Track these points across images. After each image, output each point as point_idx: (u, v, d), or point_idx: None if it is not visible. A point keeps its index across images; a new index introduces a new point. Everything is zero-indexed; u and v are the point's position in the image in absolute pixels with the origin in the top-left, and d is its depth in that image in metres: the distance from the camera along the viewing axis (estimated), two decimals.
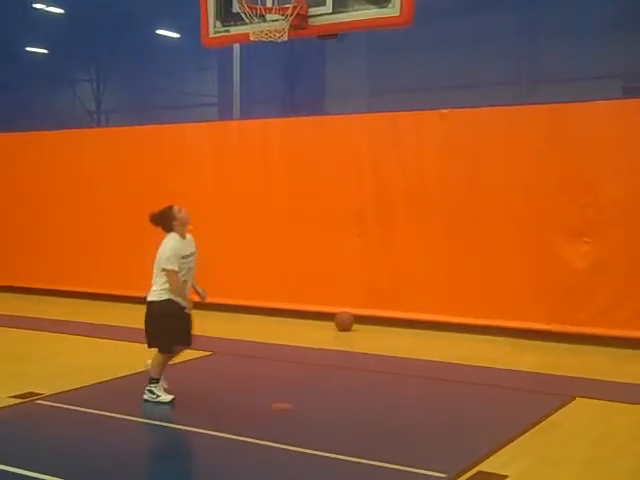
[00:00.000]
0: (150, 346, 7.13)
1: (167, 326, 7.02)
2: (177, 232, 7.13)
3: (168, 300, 6.97)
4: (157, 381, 7.07)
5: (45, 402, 7.07)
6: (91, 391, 7.53)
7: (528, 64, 19.42)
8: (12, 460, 5.54)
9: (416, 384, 8.07)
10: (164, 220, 7.18)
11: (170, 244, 7.05)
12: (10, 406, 6.94)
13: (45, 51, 24.98)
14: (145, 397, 7.02)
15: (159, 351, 7.09)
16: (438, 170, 10.58)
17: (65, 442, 6.15)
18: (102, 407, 6.89)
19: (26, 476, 5.29)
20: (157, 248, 7.25)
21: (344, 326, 10.68)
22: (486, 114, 10.50)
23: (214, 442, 6.08)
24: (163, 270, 6.96)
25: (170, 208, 7.23)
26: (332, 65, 20.81)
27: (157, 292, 7.07)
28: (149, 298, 7.13)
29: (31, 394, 7.25)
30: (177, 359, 8.87)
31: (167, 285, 6.97)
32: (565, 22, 17.29)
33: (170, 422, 6.48)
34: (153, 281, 7.12)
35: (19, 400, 7.09)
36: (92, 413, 6.79)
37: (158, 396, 6.99)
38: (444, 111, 10.61)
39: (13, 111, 20.74)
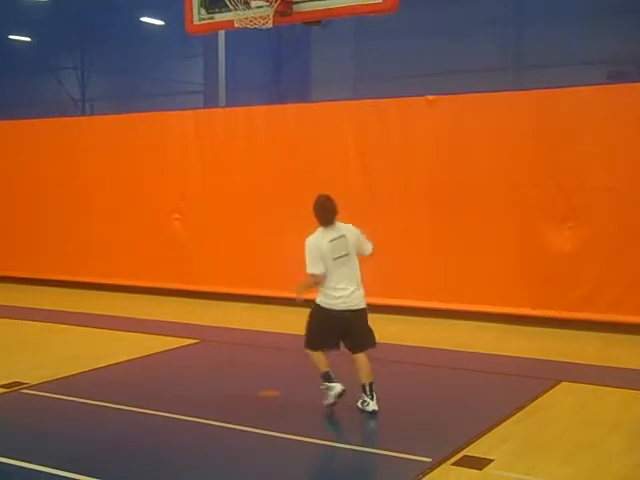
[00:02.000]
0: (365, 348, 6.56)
1: None
2: None
3: None
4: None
5: (30, 391, 7.05)
6: (77, 380, 7.51)
7: (514, 50, 19.46)
8: None
9: (402, 370, 8.10)
10: (336, 209, 6.54)
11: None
12: None
13: (29, 39, 24.81)
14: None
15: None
16: (424, 156, 10.58)
17: (50, 431, 6.14)
18: (87, 396, 6.88)
19: (9, 464, 5.29)
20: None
21: None
22: (472, 100, 10.50)
23: (201, 429, 6.09)
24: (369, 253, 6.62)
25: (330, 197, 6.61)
26: (317, 52, 20.77)
27: (363, 294, 6.63)
28: (363, 305, 6.55)
29: (16, 384, 7.23)
30: (164, 347, 8.93)
31: None
32: (550, 8, 17.33)
33: (157, 410, 6.48)
34: (353, 277, 6.51)
35: (4, 390, 7.07)
36: (76, 402, 6.78)
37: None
38: (430, 97, 10.60)
39: None
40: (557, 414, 6.46)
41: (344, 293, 6.37)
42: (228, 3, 7.61)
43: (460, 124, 10.39)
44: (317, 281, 6.39)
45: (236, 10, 7.63)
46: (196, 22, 8.25)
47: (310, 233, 6.52)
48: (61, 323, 10.40)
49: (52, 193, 13.40)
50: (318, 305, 6.47)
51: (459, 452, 5.46)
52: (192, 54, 21.57)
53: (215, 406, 6.62)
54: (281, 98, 19.93)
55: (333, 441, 5.77)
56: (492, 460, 5.33)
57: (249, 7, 7.58)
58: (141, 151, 12.63)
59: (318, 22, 7.96)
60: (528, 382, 7.47)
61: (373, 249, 6.70)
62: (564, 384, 7.31)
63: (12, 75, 22.88)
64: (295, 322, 10.56)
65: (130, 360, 8.31)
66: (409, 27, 16.98)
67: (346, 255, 6.38)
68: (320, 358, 6.48)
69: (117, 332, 9.85)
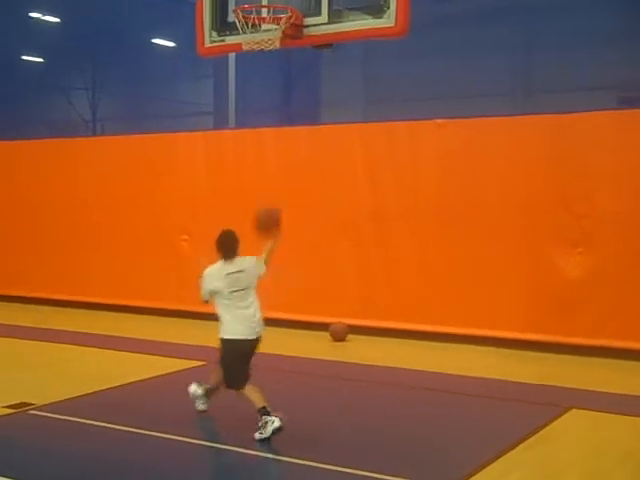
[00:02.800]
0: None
1: None
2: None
3: None
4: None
5: (37, 412, 7.02)
6: (84, 401, 7.48)
7: (524, 75, 19.49)
8: (1, 469, 5.48)
9: (409, 395, 8.04)
10: (235, 245, 6.82)
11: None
12: (1, 416, 6.89)
13: (41, 60, 24.99)
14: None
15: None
16: (433, 180, 10.57)
17: (57, 452, 6.10)
18: (94, 417, 6.84)
19: None
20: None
21: (338, 336, 10.65)
22: (482, 124, 10.50)
23: (206, 452, 6.05)
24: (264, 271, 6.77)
25: (233, 232, 6.90)
26: (327, 75, 20.84)
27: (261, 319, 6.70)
28: (262, 332, 6.66)
29: (24, 404, 7.20)
30: (170, 369, 8.88)
31: None
32: (561, 33, 17.36)
33: (163, 432, 6.43)
34: (251, 305, 6.63)
35: (11, 410, 7.04)
36: (83, 423, 6.74)
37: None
38: (440, 121, 10.60)
39: (9, 120, 20.72)
40: (566, 442, 6.38)
41: (256, 322, 6.54)
42: (239, 26, 7.64)
43: (469, 148, 10.38)
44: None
45: (246, 33, 7.65)
46: (207, 44, 8.28)
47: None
48: (68, 343, 10.37)
49: (61, 213, 13.42)
50: (223, 339, 6.54)
51: (468, 479, 5.39)
52: (202, 75, 21.67)
53: (221, 429, 6.59)
54: (291, 120, 19.97)
55: (336, 465, 5.69)
56: None
57: (259, 30, 7.60)
58: (150, 172, 12.65)
59: (329, 45, 7.97)
60: (537, 409, 7.40)
61: (265, 269, 6.78)
62: (573, 411, 7.23)
63: (24, 95, 23.02)
64: (303, 345, 10.54)
65: (137, 382, 8.27)
66: (419, 51, 17.02)
67: (245, 289, 6.53)
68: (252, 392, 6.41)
69: (124, 353, 9.81)
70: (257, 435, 6.14)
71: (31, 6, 22.67)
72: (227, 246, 6.67)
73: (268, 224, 6.93)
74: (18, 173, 13.95)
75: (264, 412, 6.21)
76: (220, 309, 6.54)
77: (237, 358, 6.44)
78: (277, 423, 6.12)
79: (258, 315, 6.56)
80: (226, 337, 6.49)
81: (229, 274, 6.48)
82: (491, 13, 18.28)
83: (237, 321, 6.45)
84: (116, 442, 6.34)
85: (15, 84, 23.02)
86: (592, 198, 9.65)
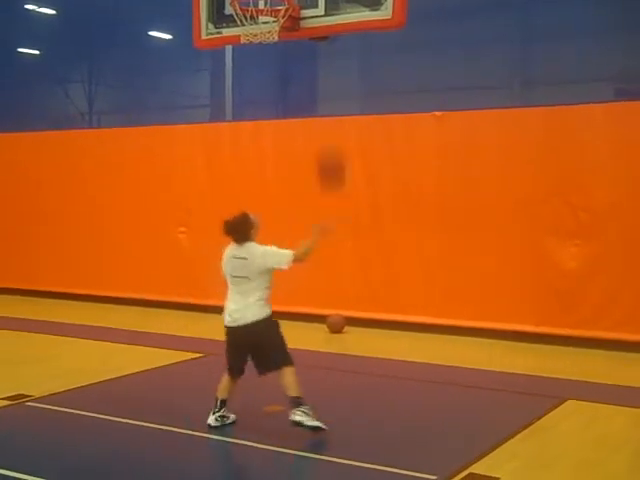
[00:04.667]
0: (271, 369, 6.36)
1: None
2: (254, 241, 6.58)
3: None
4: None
5: (35, 404, 7.03)
6: (82, 393, 7.50)
7: (521, 67, 19.43)
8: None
9: (407, 386, 8.07)
10: (245, 228, 6.58)
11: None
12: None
13: (37, 52, 24.91)
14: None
15: (288, 365, 6.36)
16: (431, 172, 10.59)
17: (54, 444, 6.12)
18: (92, 409, 6.86)
19: (14, 477, 5.26)
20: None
21: (336, 328, 10.68)
22: (480, 116, 10.51)
23: (205, 444, 6.07)
24: (286, 265, 6.42)
25: (247, 215, 6.69)
26: (324, 67, 20.77)
27: (260, 306, 6.42)
28: (254, 318, 6.32)
29: (21, 396, 7.22)
30: (168, 361, 8.90)
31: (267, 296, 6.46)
32: (558, 24, 17.31)
33: (161, 424, 6.45)
34: (248, 295, 6.36)
35: (9, 402, 7.05)
36: (81, 415, 6.76)
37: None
38: (438, 113, 10.61)
39: (5, 112, 20.66)
40: (563, 432, 6.42)
41: (233, 310, 6.34)
42: (236, 18, 7.64)
43: (467, 140, 10.39)
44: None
45: (243, 25, 7.65)
46: (204, 37, 8.28)
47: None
48: (66, 336, 10.39)
49: (58, 206, 13.43)
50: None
51: (465, 469, 5.42)
52: (199, 68, 21.60)
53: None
54: (288, 113, 19.93)
55: (337, 457, 5.73)
56: (498, 478, 5.29)
57: (256, 22, 7.61)
58: (147, 164, 12.66)
59: (325, 37, 7.97)
60: (534, 400, 7.43)
61: (293, 258, 6.44)
62: (570, 402, 7.26)
63: (20, 88, 22.94)
64: (300, 336, 10.54)
65: (135, 374, 8.29)
66: (416, 43, 16.96)
67: (245, 277, 6.35)
68: (224, 383, 6.44)
69: (122, 345, 9.83)
70: (210, 419, 6.33)
71: None
72: (235, 229, 6.51)
73: (331, 169, 6.84)
74: (14, 165, 13.94)
75: (222, 405, 6.38)
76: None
77: (228, 344, 6.42)
78: (232, 419, 6.37)
79: (252, 306, 6.33)
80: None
81: (235, 258, 6.41)
82: (488, 5, 18.22)
83: (227, 305, 6.40)
84: (114, 433, 6.36)
85: (11, 76, 22.94)
86: (589, 190, 9.67)
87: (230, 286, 6.40)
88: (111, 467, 5.59)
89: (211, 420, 6.34)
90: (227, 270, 6.42)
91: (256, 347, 6.30)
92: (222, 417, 6.38)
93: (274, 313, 11.87)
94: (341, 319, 10.70)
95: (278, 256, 6.45)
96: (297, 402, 6.12)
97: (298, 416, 6.05)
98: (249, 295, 6.32)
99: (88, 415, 6.74)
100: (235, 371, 6.43)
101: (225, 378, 6.44)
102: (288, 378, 6.23)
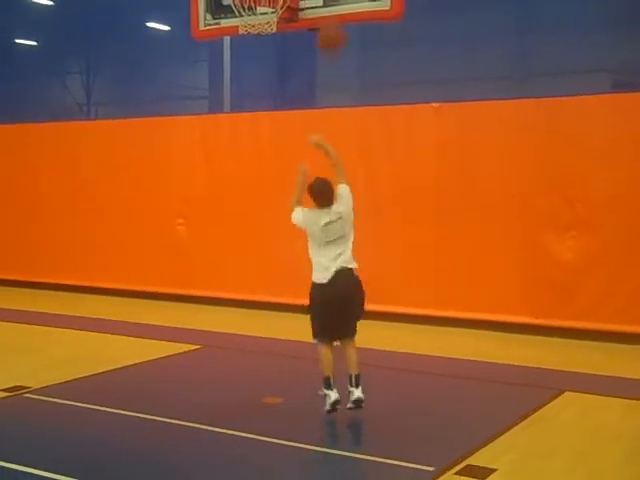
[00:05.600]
0: (354, 331, 6.58)
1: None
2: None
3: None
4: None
5: (33, 395, 7.05)
6: (79, 384, 7.51)
7: (519, 58, 19.42)
8: None
9: (404, 377, 8.08)
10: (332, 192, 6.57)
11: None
12: None
13: (34, 43, 24.85)
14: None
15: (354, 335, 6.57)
16: (429, 163, 10.58)
17: (52, 435, 6.12)
18: (89, 400, 6.87)
19: (12, 469, 5.28)
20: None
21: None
22: (478, 108, 10.49)
23: (204, 435, 6.08)
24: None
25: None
26: (323, 59, 20.73)
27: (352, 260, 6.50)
28: (350, 265, 6.48)
29: (19, 387, 7.23)
30: (165, 352, 8.92)
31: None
32: (556, 16, 17.29)
33: (159, 415, 6.46)
34: (345, 248, 6.48)
35: (6, 394, 7.06)
36: (79, 406, 6.77)
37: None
38: (436, 105, 10.60)
39: (2, 103, 20.64)
40: (560, 424, 6.44)
41: (331, 269, 6.41)
42: (234, 9, 7.63)
43: (465, 132, 10.38)
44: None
45: (242, 16, 7.65)
46: (202, 28, 8.28)
47: None
48: (63, 327, 10.39)
49: (56, 197, 13.42)
50: (313, 283, 6.51)
51: (462, 461, 5.43)
52: (197, 59, 21.58)
53: (218, 412, 6.60)
54: (286, 104, 19.91)
55: (335, 449, 5.75)
56: (495, 470, 5.30)
57: (254, 13, 7.60)
58: (145, 156, 12.64)
59: None
60: (531, 391, 7.45)
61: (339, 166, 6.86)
62: (567, 394, 7.28)
63: (18, 79, 22.90)
64: (299, 329, 10.55)
65: (133, 365, 8.31)
66: (415, 34, 16.95)
67: (340, 237, 6.44)
68: (327, 357, 6.41)
69: (120, 337, 9.84)
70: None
71: None
72: (328, 194, 6.55)
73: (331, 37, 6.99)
74: (11, 157, 13.92)
75: (326, 384, 6.35)
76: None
77: (320, 305, 6.47)
78: (333, 397, 6.30)
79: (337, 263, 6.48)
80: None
81: (326, 224, 6.44)
82: None
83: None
84: (111, 425, 6.37)
85: (8, 68, 22.90)
86: (586, 182, 9.67)
87: (321, 251, 6.44)
88: (108, 459, 5.60)
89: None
90: (320, 237, 6.43)
91: (347, 307, 6.47)
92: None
93: (267, 304, 11.96)
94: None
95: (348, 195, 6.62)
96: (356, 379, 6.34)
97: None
98: (344, 255, 6.45)
99: (86, 407, 6.75)
100: (334, 334, 6.50)
101: (325, 351, 6.45)
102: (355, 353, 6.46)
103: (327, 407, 6.32)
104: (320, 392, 6.38)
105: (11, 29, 23.15)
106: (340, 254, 6.41)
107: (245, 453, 5.74)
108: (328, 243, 6.41)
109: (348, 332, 6.51)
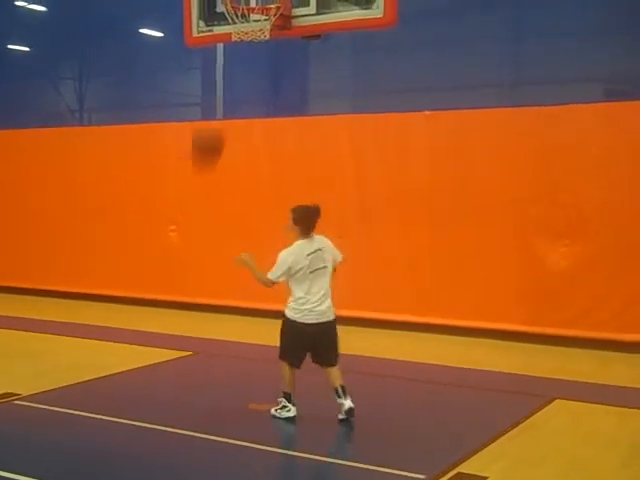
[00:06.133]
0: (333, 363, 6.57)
1: None
2: None
3: None
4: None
5: (22, 402, 7.01)
6: (70, 391, 7.47)
7: (512, 67, 19.47)
8: None
9: (395, 385, 8.07)
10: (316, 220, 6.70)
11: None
12: None
13: (27, 49, 24.82)
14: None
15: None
16: (421, 171, 10.59)
17: (41, 443, 6.09)
18: (80, 407, 6.84)
19: (3, 477, 5.24)
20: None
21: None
22: (470, 116, 10.52)
23: (192, 442, 6.06)
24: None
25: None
26: (316, 66, 20.76)
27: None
28: (332, 317, 6.60)
29: (9, 394, 7.19)
30: (157, 359, 8.89)
31: None
32: (549, 24, 17.34)
33: (148, 422, 6.43)
34: (327, 290, 6.57)
35: None
36: (69, 413, 6.74)
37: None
38: (428, 113, 10.62)
39: None
40: (551, 432, 6.44)
41: (318, 307, 6.46)
42: (227, 16, 7.64)
43: (457, 139, 10.41)
44: (266, 285, 6.60)
45: (235, 23, 7.65)
46: (195, 34, 8.28)
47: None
48: (55, 334, 10.35)
49: (48, 203, 13.38)
50: (289, 319, 6.54)
51: (453, 469, 5.42)
52: (190, 66, 21.57)
53: (206, 419, 6.59)
54: (279, 111, 19.92)
55: (325, 456, 5.73)
56: (486, 478, 5.29)
57: (248, 20, 7.61)
58: (138, 162, 12.63)
59: (317, 36, 7.98)
60: (522, 399, 7.45)
61: (343, 257, 6.79)
62: (558, 401, 7.28)
63: (10, 84, 22.86)
64: None
65: (123, 372, 8.28)
66: (408, 42, 16.96)
67: (323, 267, 6.49)
68: (291, 375, 6.56)
69: (111, 343, 9.80)
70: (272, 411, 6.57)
71: None
72: (314, 220, 6.67)
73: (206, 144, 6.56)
74: (3, 163, 13.89)
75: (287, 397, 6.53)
76: None
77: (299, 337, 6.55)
78: (293, 413, 6.48)
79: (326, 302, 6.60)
80: None
81: (310, 254, 6.50)
82: (479, 4, 18.25)
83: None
84: (102, 432, 6.34)
85: (1, 73, 22.87)
86: (579, 190, 9.70)
87: (305, 284, 6.43)
88: (99, 466, 5.57)
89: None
90: (304, 269, 6.42)
91: (323, 342, 6.51)
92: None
93: (261, 311, 11.92)
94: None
95: (337, 251, 6.74)
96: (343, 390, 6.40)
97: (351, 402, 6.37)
98: (327, 290, 6.50)
99: (77, 414, 6.72)
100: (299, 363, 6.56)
101: (290, 370, 6.54)
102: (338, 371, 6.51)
103: (283, 415, 6.51)
104: (279, 405, 6.55)
105: (4, 34, 23.11)
106: (325, 295, 6.49)
107: (231, 460, 5.72)
108: (314, 275, 6.45)
109: (330, 360, 6.57)
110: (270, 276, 6.51)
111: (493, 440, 6.08)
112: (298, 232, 6.54)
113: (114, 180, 12.76)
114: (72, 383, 7.70)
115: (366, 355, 9.23)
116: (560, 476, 5.42)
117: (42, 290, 13.33)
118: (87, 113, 26.09)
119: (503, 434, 6.24)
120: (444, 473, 5.34)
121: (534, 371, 8.46)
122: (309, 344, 6.47)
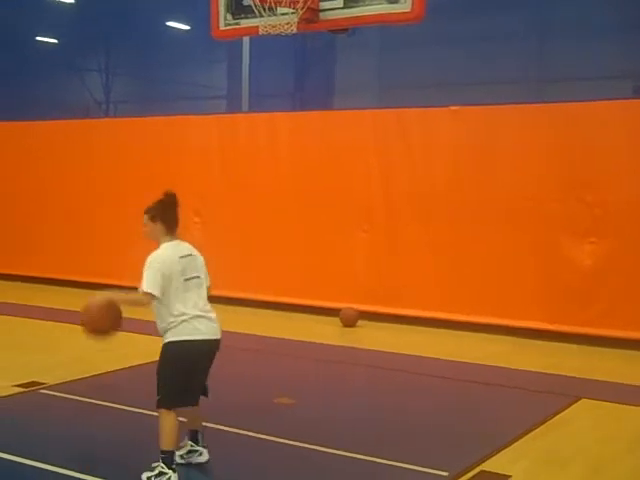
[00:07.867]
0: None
1: None
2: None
3: None
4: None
5: (48, 392, 7.05)
6: (95, 381, 7.51)
7: (538, 62, 19.34)
8: (14, 449, 5.53)
9: (419, 381, 8.05)
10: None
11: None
12: (13, 395, 6.93)
13: (55, 41, 24.99)
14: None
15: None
16: (446, 167, 10.55)
17: (67, 432, 6.13)
18: (105, 398, 6.88)
19: (28, 465, 5.28)
20: None
21: (349, 322, 10.66)
22: (496, 112, 10.46)
23: (216, 435, 6.06)
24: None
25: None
26: (342, 60, 20.74)
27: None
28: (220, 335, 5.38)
29: (34, 383, 7.24)
30: None
31: None
32: (576, 20, 17.21)
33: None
34: (207, 304, 5.41)
35: (21, 389, 7.08)
36: (95, 403, 6.78)
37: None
38: (454, 108, 10.57)
39: (22, 100, 20.75)
40: (576, 431, 6.38)
41: (212, 315, 5.36)
42: (255, 9, 7.63)
43: (483, 135, 10.35)
44: (144, 304, 5.33)
45: (262, 16, 7.65)
46: (222, 27, 8.30)
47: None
48: (72, 323, 10.39)
49: (73, 194, 13.46)
50: (176, 342, 5.19)
51: (476, 467, 5.39)
52: (216, 59, 21.62)
53: (229, 412, 6.58)
54: (304, 105, 19.92)
55: (348, 451, 5.71)
56: (510, 476, 5.26)
57: (275, 13, 7.60)
58: (163, 154, 12.65)
59: (344, 30, 7.96)
60: (547, 398, 7.40)
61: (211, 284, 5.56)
62: (583, 401, 7.22)
63: (38, 76, 23.03)
64: (313, 329, 10.56)
65: (146, 363, 8.29)
66: (434, 37, 16.92)
67: (198, 277, 5.37)
68: (177, 427, 5.07)
69: (133, 334, 9.79)
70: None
71: None
72: (174, 215, 5.59)
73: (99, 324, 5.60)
74: (30, 154, 13.97)
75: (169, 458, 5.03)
76: None
77: (191, 363, 5.32)
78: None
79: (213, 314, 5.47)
80: None
81: (183, 257, 5.48)
82: (506, 1, 18.16)
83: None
84: (127, 423, 6.37)
85: (29, 65, 23.04)
86: (604, 188, 9.61)
87: (182, 295, 5.28)
88: (125, 456, 5.59)
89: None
90: (178, 275, 5.29)
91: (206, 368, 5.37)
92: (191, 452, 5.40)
93: (287, 305, 11.93)
94: (354, 313, 10.69)
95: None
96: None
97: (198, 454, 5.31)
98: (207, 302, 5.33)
99: (101, 404, 6.75)
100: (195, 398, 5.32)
101: (173, 417, 5.10)
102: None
103: None
104: (154, 471, 4.99)
105: (32, 27, 23.28)
106: (205, 305, 5.32)
107: (254, 453, 5.72)
108: (189, 284, 5.27)
109: (204, 391, 5.39)
110: (146, 289, 5.26)
111: (517, 439, 6.04)
112: (162, 232, 5.49)
113: (138, 172, 12.78)
114: (97, 373, 7.73)
115: (391, 351, 9.21)
116: (584, 476, 5.37)
117: (61, 280, 13.38)
118: (112, 105, 26.25)
119: (528, 433, 6.19)
120: (467, 470, 5.32)
121: (559, 370, 8.40)
122: (202, 368, 5.24)
